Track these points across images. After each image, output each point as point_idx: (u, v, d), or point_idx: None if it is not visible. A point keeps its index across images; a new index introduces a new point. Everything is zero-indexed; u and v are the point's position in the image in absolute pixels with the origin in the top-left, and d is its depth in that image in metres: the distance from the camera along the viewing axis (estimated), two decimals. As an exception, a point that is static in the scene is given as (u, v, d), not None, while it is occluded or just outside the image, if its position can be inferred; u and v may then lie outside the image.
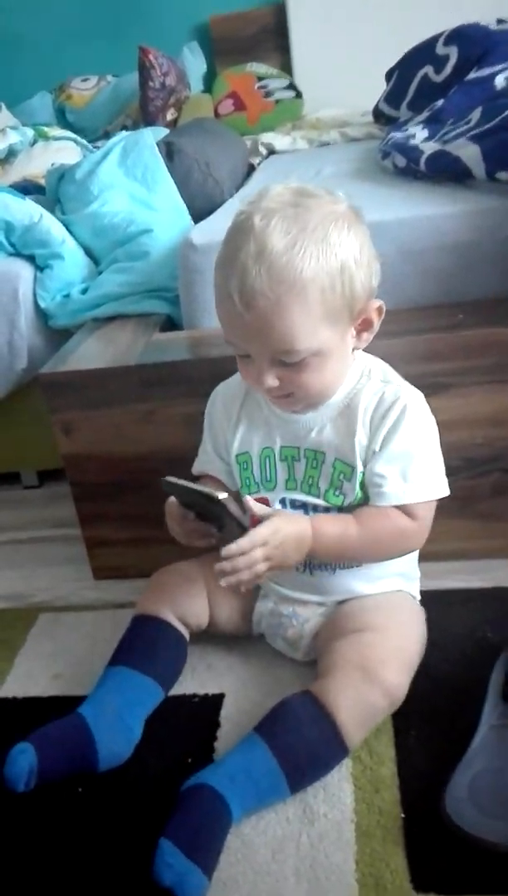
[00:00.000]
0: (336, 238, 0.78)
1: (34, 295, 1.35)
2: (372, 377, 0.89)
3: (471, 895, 0.70)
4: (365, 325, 0.85)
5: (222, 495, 0.81)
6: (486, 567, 1.12)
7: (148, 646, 0.94)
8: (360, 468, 0.88)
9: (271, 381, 0.82)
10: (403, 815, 0.78)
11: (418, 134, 1.48)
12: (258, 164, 1.99)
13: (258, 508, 0.85)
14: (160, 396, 1.09)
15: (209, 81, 2.64)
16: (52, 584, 1.24)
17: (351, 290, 0.79)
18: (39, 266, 1.36)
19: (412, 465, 0.86)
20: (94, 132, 2.57)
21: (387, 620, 0.91)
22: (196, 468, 1.02)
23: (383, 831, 0.77)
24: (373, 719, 0.85)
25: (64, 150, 1.97)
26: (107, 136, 2.48)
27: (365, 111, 2.22)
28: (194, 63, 2.60)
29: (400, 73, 1.98)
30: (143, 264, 1.29)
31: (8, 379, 1.37)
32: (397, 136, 1.52)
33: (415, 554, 0.98)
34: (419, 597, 0.99)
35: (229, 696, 0.96)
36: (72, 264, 1.35)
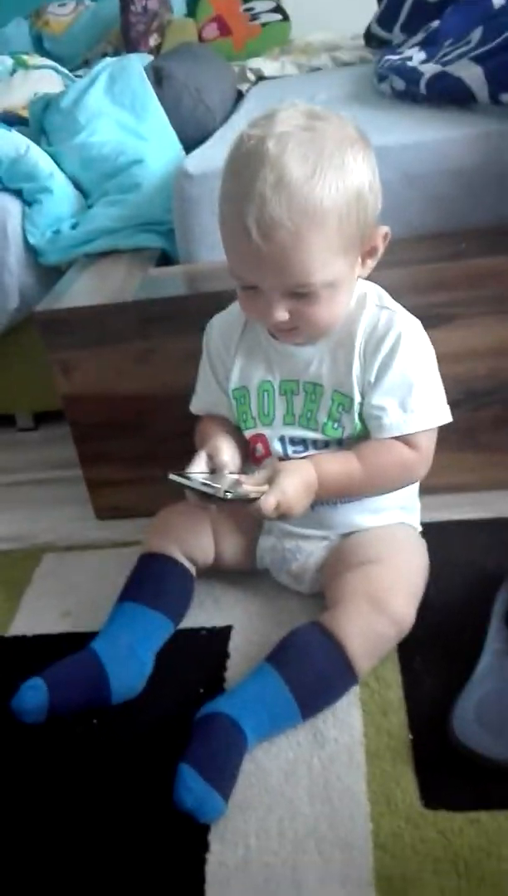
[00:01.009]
0: (352, 164, 0.76)
1: (23, 231, 1.31)
2: (367, 304, 0.88)
3: (479, 811, 0.72)
4: (371, 252, 0.84)
5: (226, 492, 0.81)
6: (487, 499, 1.12)
7: (156, 582, 0.95)
8: (358, 398, 0.88)
9: (282, 314, 0.81)
10: (411, 737, 0.81)
11: (415, 56, 1.42)
12: (247, 90, 1.92)
13: (258, 482, 0.83)
14: (159, 333, 1.07)
15: (193, 5, 2.53)
16: (54, 524, 1.24)
17: (365, 218, 0.78)
18: (27, 201, 1.32)
19: (412, 395, 0.86)
20: (73, 60, 2.45)
21: (391, 552, 0.92)
22: (198, 407, 1.01)
23: (392, 753, 0.80)
24: (382, 648, 0.86)
25: (45, 80, 1.88)
26: (87, 64, 2.38)
27: (356, 34, 2.13)
28: (177, -15, 2.48)
29: (393, -7, 1.90)
30: (135, 196, 1.25)
31: (0, 319, 1.34)
32: (393, 58, 1.46)
33: (415, 486, 0.99)
34: (420, 528, 1.00)
35: (236, 629, 0.97)
36: (61, 198, 1.31)
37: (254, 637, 0.95)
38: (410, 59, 1.43)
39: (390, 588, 0.87)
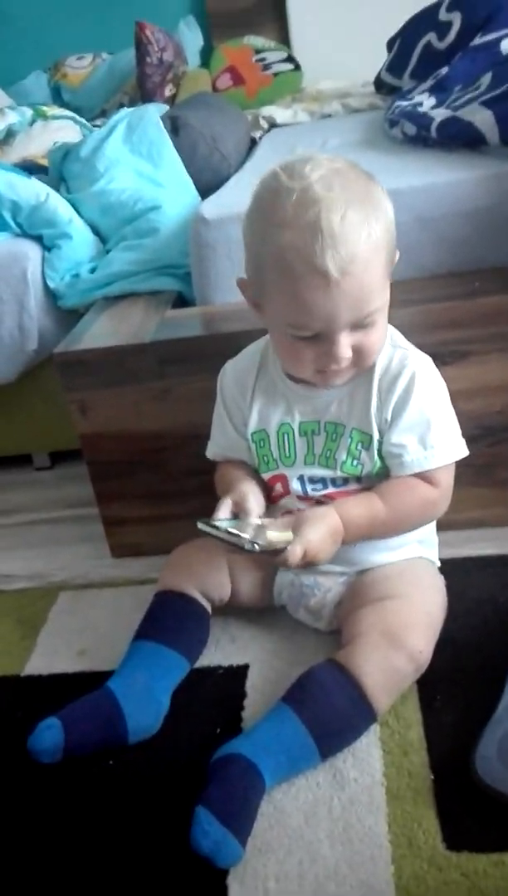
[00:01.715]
0: (382, 195, 0.81)
1: (43, 275, 1.34)
2: (384, 341, 0.89)
3: (503, 852, 0.71)
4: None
5: (254, 544, 0.81)
6: (504, 535, 1.12)
7: (173, 620, 0.95)
8: (377, 436, 0.89)
9: (348, 351, 0.82)
10: (432, 777, 0.79)
11: (425, 102, 1.46)
12: (260, 137, 1.97)
13: (280, 537, 0.83)
14: (176, 373, 1.09)
15: (206, 56, 2.61)
16: (70, 563, 1.25)
17: (394, 241, 0.83)
18: (47, 246, 1.35)
19: (430, 431, 0.87)
20: (91, 111, 2.53)
21: (409, 587, 0.92)
22: (214, 452, 1.02)
23: (413, 793, 0.78)
24: (399, 685, 0.86)
25: (63, 130, 1.94)
26: (104, 114, 2.46)
27: (366, 82, 2.19)
28: (191, 37, 2.56)
29: (402, 42, 1.96)
30: (152, 241, 1.29)
31: (19, 360, 1.37)
32: (403, 104, 1.50)
33: (433, 521, 0.99)
34: (438, 563, 1.00)
35: (253, 667, 0.97)
36: (80, 243, 1.34)
37: (271, 675, 0.95)
38: (420, 104, 1.47)
39: (407, 624, 0.86)
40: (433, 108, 1.41)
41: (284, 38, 2.63)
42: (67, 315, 1.36)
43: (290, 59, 2.52)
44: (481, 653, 0.92)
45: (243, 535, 0.82)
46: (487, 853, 0.71)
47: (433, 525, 1.00)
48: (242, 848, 0.74)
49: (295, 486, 0.94)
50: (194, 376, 1.08)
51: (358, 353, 0.84)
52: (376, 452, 0.89)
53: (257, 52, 2.53)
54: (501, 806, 0.73)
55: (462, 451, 0.90)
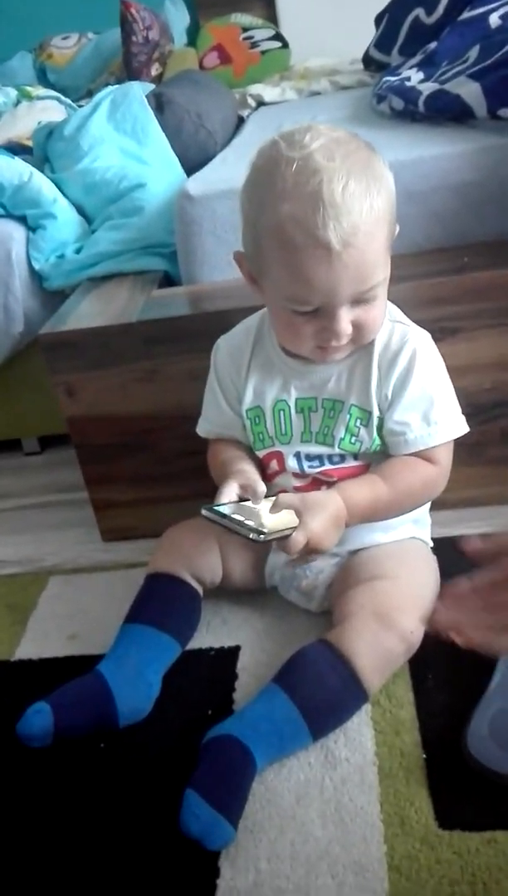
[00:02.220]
0: (383, 166, 0.80)
1: (27, 257, 1.32)
2: (385, 317, 0.87)
3: (496, 830, 0.71)
4: None
5: (258, 535, 0.77)
6: (496, 513, 1.11)
7: (163, 602, 0.94)
8: (377, 412, 0.88)
9: (348, 325, 0.81)
10: (424, 756, 0.79)
11: (413, 76, 1.44)
12: (248, 115, 1.94)
13: (285, 523, 0.80)
14: (163, 353, 1.07)
15: (193, 34, 2.57)
16: (61, 547, 1.24)
17: (395, 213, 0.82)
18: (31, 227, 1.33)
19: (434, 408, 0.87)
20: (77, 91, 2.49)
21: (401, 568, 0.91)
22: (206, 430, 1.00)
23: (405, 773, 0.78)
24: (391, 665, 0.85)
25: (49, 110, 1.91)
26: (90, 94, 2.41)
27: (354, 59, 2.17)
28: (177, 16, 2.53)
29: (390, 17, 1.93)
30: (137, 220, 1.27)
31: (4, 344, 1.35)
32: (391, 79, 1.48)
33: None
34: (431, 543, 0.99)
35: (244, 649, 0.96)
36: (64, 223, 1.32)
37: (263, 657, 0.94)
38: (408, 78, 1.45)
39: (398, 604, 0.86)
40: (421, 82, 1.39)
41: (271, 16, 2.60)
42: (52, 297, 1.34)
43: (278, 36, 2.49)
44: (473, 631, 0.92)
45: (248, 522, 0.79)
46: (479, 832, 0.71)
47: (427, 505, 0.99)
48: (233, 829, 0.73)
49: (291, 463, 0.93)
50: (182, 356, 1.06)
51: (359, 328, 0.82)
52: (375, 430, 0.88)
53: (245, 30, 2.50)
54: (493, 784, 0.73)
55: (464, 427, 0.89)
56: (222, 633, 0.99)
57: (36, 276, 1.33)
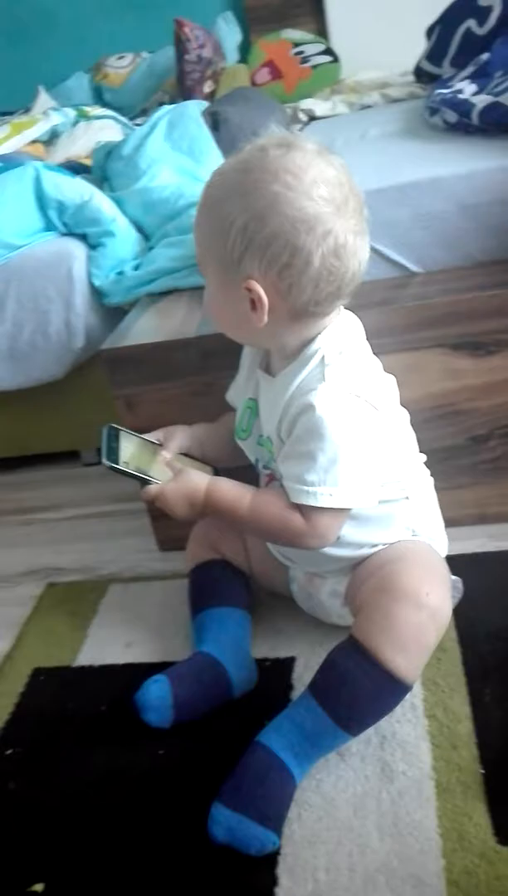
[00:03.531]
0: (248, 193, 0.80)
1: (88, 274, 1.36)
2: (315, 360, 0.82)
3: (557, 848, 0.70)
4: None
5: (110, 462, 0.89)
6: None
7: (219, 583, 0.99)
8: (276, 439, 0.87)
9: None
10: (482, 772, 0.79)
11: (466, 89, 1.44)
12: (299, 130, 1.96)
13: (157, 471, 0.91)
14: (218, 367, 1.09)
15: (245, 51, 2.61)
16: (119, 556, 1.27)
17: (233, 238, 0.82)
18: (91, 244, 1.37)
19: (312, 471, 0.79)
20: (132, 110, 2.55)
21: (405, 552, 0.87)
22: (226, 396, 1.03)
23: (463, 787, 0.78)
24: (417, 638, 0.79)
25: (106, 130, 1.97)
26: (145, 113, 2.47)
27: (405, 71, 2.17)
28: (229, 33, 2.57)
29: (442, 29, 1.93)
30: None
31: (66, 358, 1.39)
32: (443, 92, 1.48)
33: (429, 512, 0.94)
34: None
35: (300, 659, 0.97)
36: (123, 241, 1.36)
37: (317, 667, 0.94)
38: (461, 91, 1.45)
39: (406, 576, 0.82)
40: (475, 94, 1.39)
41: (321, 30, 2.62)
42: (111, 312, 1.37)
43: (328, 51, 2.51)
44: (531, 646, 0.91)
45: (121, 451, 0.91)
46: (539, 848, 0.70)
47: (430, 517, 0.94)
48: (270, 832, 0.74)
49: (252, 459, 0.96)
50: (235, 369, 1.08)
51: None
52: (272, 458, 0.88)
53: (295, 45, 2.53)
54: (554, 800, 0.73)
55: (348, 502, 0.80)
56: (277, 644, 1.00)
57: (95, 293, 1.36)
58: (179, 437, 0.98)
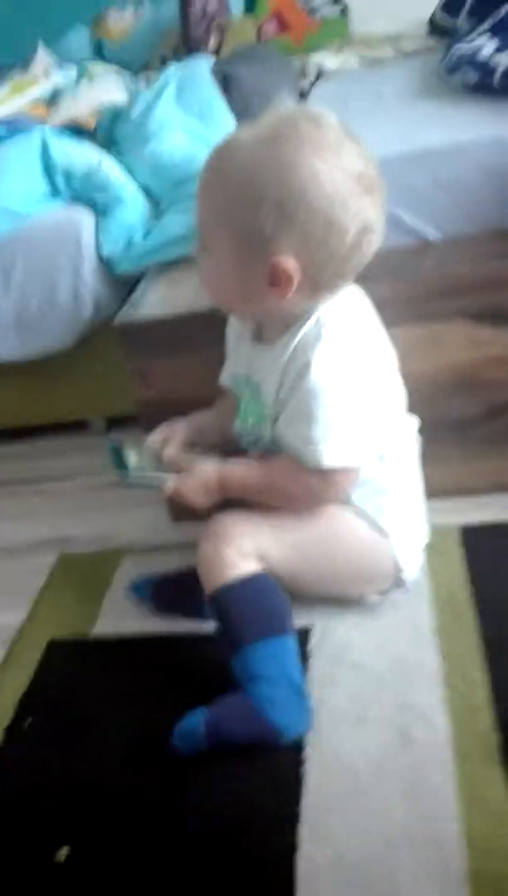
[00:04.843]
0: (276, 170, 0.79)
1: (96, 242, 1.34)
2: (311, 322, 0.83)
3: None
4: None
5: (123, 475, 0.94)
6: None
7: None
8: (272, 410, 0.88)
9: (198, 257, 0.87)
10: (501, 737, 0.80)
11: (486, 45, 1.39)
12: (308, 87, 1.91)
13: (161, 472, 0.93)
14: (233, 338, 1.08)
15: (250, 3, 2.53)
16: (131, 526, 1.28)
17: (249, 212, 0.81)
18: (100, 211, 1.35)
19: (313, 429, 0.81)
20: (133, 65, 2.46)
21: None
22: (221, 379, 1.03)
23: (481, 753, 0.80)
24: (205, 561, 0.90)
25: (110, 92, 1.90)
26: (147, 68, 2.41)
27: (418, 22, 2.10)
28: (234, -17, 2.48)
29: (458, -22, 1.87)
30: (205, 203, 1.27)
31: (74, 328, 1.38)
32: (462, 47, 1.43)
33: (402, 481, 0.94)
34: (386, 530, 0.93)
35: (316, 628, 0.98)
36: (133, 207, 1.33)
37: (334, 638, 0.96)
38: (481, 48, 1.40)
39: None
40: (496, 51, 1.34)
41: (330, -21, 2.53)
42: (120, 281, 1.36)
43: (337, 1, 2.43)
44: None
45: (130, 461, 0.93)
46: (556, 813, 0.72)
47: (403, 492, 0.94)
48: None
49: (238, 433, 0.96)
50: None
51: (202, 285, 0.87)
52: (269, 427, 0.89)
53: (304, -5, 2.45)
54: None
55: (352, 459, 0.83)
56: (295, 614, 1.01)
57: (104, 261, 1.34)
58: (181, 431, 0.97)
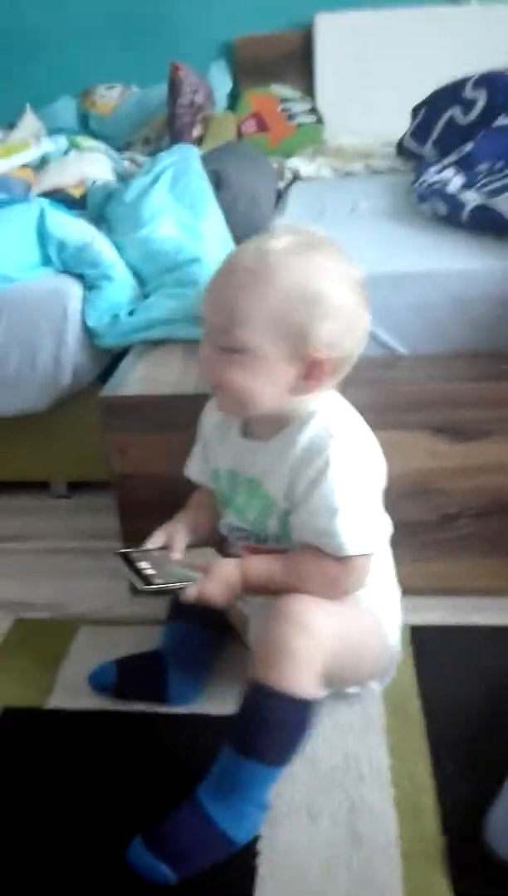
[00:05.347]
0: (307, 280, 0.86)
1: (81, 313, 1.38)
2: (316, 419, 0.89)
3: (513, 919, 0.76)
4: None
5: (142, 584, 0.90)
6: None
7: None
8: (282, 504, 0.92)
9: (208, 361, 0.89)
10: (445, 842, 0.84)
11: (453, 180, 1.54)
12: (285, 188, 2.04)
13: (180, 577, 0.91)
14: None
15: (233, 100, 2.68)
16: (89, 596, 1.27)
17: (296, 322, 0.87)
18: (88, 285, 1.39)
19: (336, 521, 0.86)
20: (116, 141, 2.58)
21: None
22: (189, 470, 1.07)
23: (426, 856, 0.83)
24: (281, 648, 0.84)
25: (97, 164, 1.98)
26: (129, 147, 2.52)
27: (386, 141, 2.27)
28: (221, 81, 2.64)
29: (427, 111, 2.05)
30: (192, 292, 1.33)
31: (52, 392, 1.40)
32: (431, 180, 1.58)
33: (383, 569, 0.99)
34: (385, 622, 0.98)
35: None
36: (120, 286, 1.38)
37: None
38: (449, 182, 1.55)
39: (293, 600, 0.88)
40: (463, 188, 1.48)
41: (309, 89, 2.72)
42: (101, 353, 1.39)
43: (314, 111, 2.61)
44: (491, 720, 0.97)
45: (146, 570, 0.91)
46: (499, 919, 0.76)
47: (383, 576, 0.99)
48: (170, 870, 0.81)
49: (224, 530, 1.01)
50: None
51: (220, 385, 0.87)
52: (278, 521, 0.93)
53: (283, 101, 2.62)
54: (513, 875, 0.78)
55: (370, 546, 0.88)
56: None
57: (87, 332, 1.38)
58: (181, 532, 0.99)
